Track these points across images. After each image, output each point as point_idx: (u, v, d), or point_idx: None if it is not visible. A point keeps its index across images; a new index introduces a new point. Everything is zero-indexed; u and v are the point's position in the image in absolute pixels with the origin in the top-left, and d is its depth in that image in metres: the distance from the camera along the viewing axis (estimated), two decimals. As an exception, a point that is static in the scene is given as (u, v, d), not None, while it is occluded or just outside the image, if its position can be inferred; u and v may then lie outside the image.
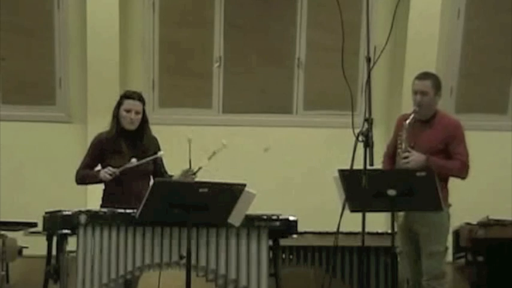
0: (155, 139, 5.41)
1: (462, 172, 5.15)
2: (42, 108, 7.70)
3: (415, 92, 5.19)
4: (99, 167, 5.30)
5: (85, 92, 7.50)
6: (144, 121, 5.32)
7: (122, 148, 5.25)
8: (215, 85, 7.80)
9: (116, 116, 5.28)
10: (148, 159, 5.17)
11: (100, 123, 7.10)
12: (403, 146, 5.08)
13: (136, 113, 5.25)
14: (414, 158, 5.02)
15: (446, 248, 5.17)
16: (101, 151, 5.28)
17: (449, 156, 5.12)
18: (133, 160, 5.09)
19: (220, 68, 7.76)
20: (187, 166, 5.11)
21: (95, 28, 7.36)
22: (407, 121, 5.07)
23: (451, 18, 7.78)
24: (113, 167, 5.15)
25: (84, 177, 5.29)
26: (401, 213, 5.02)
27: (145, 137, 5.31)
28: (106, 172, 5.10)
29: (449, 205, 5.15)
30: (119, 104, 5.29)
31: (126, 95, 5.32)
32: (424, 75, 5.27)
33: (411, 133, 5.10)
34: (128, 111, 5.24)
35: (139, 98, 5.30)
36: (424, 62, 7.49)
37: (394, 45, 7.34)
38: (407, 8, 7.41)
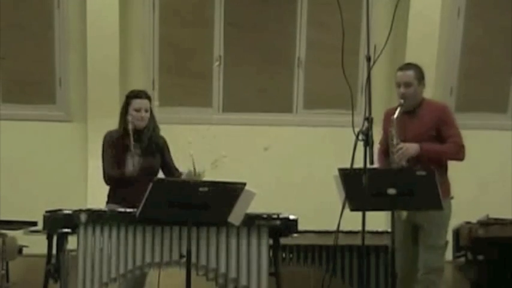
0: (164, 139, 5.44)
1: (458, 153, 5.12)
2: (42, 108, 7.70)
3: (398, 85, 5.19)
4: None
5: (85, 91, 7.51)
6: (152, 117, 5.37)
7: (132, 147, 5.26)
8: (215, 84, 7.80)
9: (124, 115, 5.31)
10: None
11: (100, 122, 7.15)
12: (394, 141, 5.05)
13: (146, 110, 5.31)
14: (408, 148, 5.00)
15: (447, 242, 5.15)
16: (113, 147, 5.29)
17: (443, 141, 5.11)
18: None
19: (220, 67, 7.77)
20: (192, 168, 5.11)
21: (95, 27, 7.36)
22: (395, 116, 5.04)
23: (451, 18, 7.78)
24: (122, 164, 5.21)
25: (116, 174, 5.23)
26: (404, 212, 4.99)
27: (154, 135, 5.35)
28: (129, 164, 5.13)
29: (452, 197, 5.13)
30: (127, 104, 5.33)
31: (134, 95, 5.35)
32: (406, 66, 5.30)
33: (400, 126, 5.07)
34: (138, 110, 5.29)
35: (146, 96, 5.38)
36: (424, 62, 7.44)
37: (394, 45, 7.33)
38: (407, 8, 7.42)
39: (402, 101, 5.11)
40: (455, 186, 5.22)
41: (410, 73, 5.19)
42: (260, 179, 7.06)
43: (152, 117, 5.37)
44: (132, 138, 5.16)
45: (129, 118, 5.27)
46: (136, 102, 5.30)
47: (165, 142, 5.44)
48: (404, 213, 4.97)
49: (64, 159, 7.57)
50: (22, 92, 7.68)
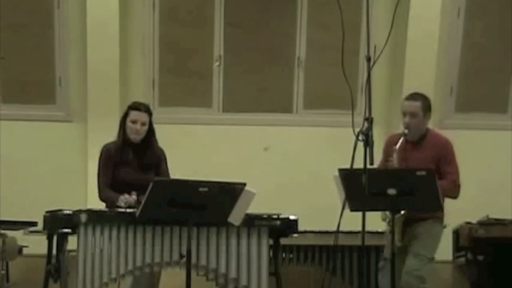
0: (162, 151, 5.42)
1: (453, 192, 5.11)
2: (42, 108, 7.70)
3: (404, 114, 5.16)
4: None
5: (85, 91, 7.50)
6: (151, 133, 5.34)
7: (129, 159, 5.26)
8: (215, 84, 7.80)
9: (123, 126, 5.31)
10: None
11: (100, 122, 7.17)
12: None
13: (142, 124, 5.28)
14: None
15: (432, 259, 5.16)
16: (111, 162, 5.27)
17: (440, 176, 5.03)
18: (134, 197, 5.07)
19: (220, 67, 7.77)
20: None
21: (95, 27, 7.36)
22: (397, 146, 5.01)
23: (451, 18, 7.77)
24: (121, 178, 5.20)
25: (108, 200, 5.23)
26: (397, 242, 4.98)
27: (152, 150, 5.33)
28: (122, 200, 5.06)
29: (445, 226, 5.16)
30: (126, 115, 5.32)
31: (133, 106, 5.34)
32: (414, 96, 5.23)
33: (402, 155, 5.05)
34: (134, 122, 5.27)
35: (146, 109, 5.33)
36: (424, 62, 7.51)
37: (394, 45, 7.34)
38: (407, 8, 7.41)
39: (406, 130, 5.09)
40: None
41: (417, 104, 5.15)
42: (260, 179, 7.06)
43: (152, 133, 5.34)
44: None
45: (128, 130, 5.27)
46: (134, 114, 5.28)
47: (162, 154, 5.41)
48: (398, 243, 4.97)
49: (64, 159, 7.57)
50: (22, 92, 7.68)
